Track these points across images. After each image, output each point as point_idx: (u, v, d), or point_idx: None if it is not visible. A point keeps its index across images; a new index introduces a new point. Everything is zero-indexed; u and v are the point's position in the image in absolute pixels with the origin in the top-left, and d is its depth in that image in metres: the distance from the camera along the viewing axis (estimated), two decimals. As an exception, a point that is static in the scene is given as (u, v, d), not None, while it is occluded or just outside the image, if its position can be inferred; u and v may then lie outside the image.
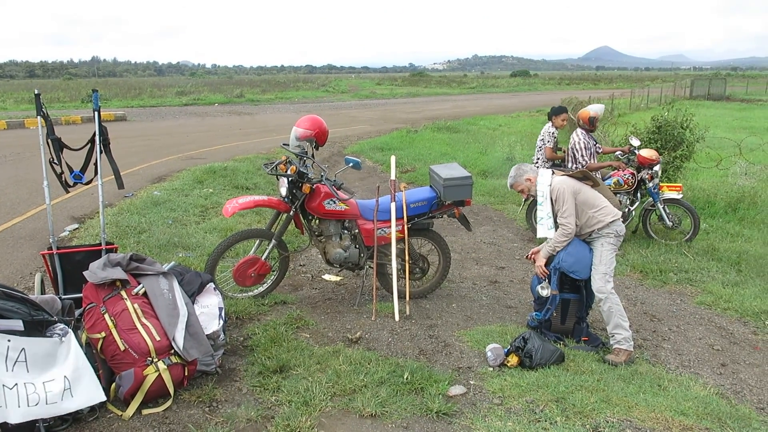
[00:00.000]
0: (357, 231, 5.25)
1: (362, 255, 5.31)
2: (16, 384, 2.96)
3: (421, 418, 3.51)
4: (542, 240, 4.94)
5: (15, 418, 2.97)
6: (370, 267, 5.38)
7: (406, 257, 5.17)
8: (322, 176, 5.04)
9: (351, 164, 5.13)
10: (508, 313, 5.28)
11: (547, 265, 4.70)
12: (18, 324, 2.87)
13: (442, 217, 5.48)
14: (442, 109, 29.82)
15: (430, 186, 5.46)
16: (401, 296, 5.10)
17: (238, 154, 13.57)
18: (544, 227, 4.78)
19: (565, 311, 4.75)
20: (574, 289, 4.72)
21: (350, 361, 4.10)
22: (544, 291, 4.65)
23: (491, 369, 4.14)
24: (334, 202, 5.06)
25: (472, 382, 3.95)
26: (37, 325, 2.91)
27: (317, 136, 5.17)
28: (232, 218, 7.65)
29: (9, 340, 2.89)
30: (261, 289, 5.34)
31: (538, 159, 7.92)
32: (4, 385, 2.94)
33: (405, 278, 5.17)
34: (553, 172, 4.82)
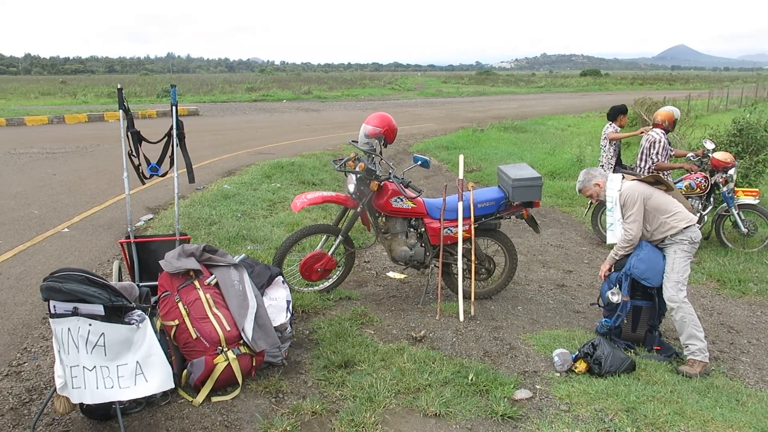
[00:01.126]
0: (423, 229, 5.23)
1: (428, 253, 5.28)
2: (95, 367, 3.08)
3: (485, 421, 3.47)
4: (612, 246, 4.80)
5: (92, 398, 3.09)
6: (435, 266, 5.35)
7: (473, 257, 5.12)
8: (390, 174, 5.04)
9: (419, 162, 5.11)
10: (576, 318, 5.15)
11: (616, 270, 4.57)
12: (99, 309, 2.98)
13: (509, 218, 5.40)
14: (508, 108, 29.41)
15: (498, 186, 5.39)
16: (466, 296, 5.05)
17: (305, 150, 13.76)
18: (614, 233, 4.65)
19: (637, 319, 4.59)
20: (647, 296, 4.56)
21: (414, 360, 4.09)
22: (615, 297, 4.51)
23: (558, 374, 4.04)
24: (402, 200, 5.06)
25: (538, 387, 3.87)
26: (116, 311, 3.02)
27: (386, 134, 5.18)
28: (298, 213, 7.75)
29: (90, 324, 3.01)
30: (326, 284, 5.40)
31: (603, 159, 7.72)
32: (84, 367, 3.07)
33: (470, 278, 5.12)
34: (624, 177, 4.68)
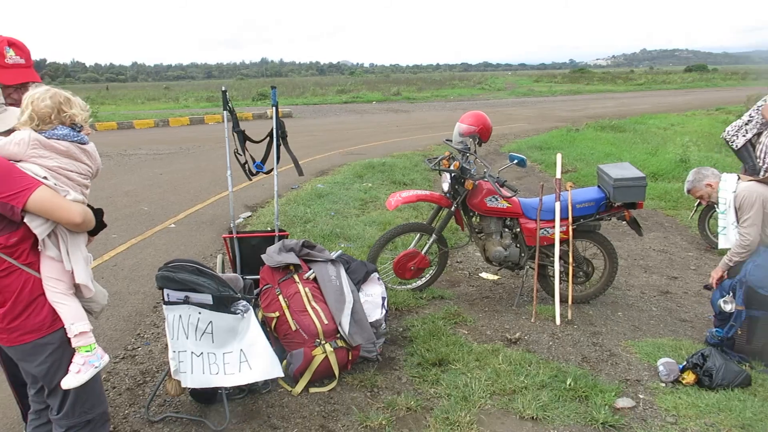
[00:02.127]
0: (519, 230, 5.15)
1: (523, 255, 5.19)
2: (202, 353, 3.23)
3: (585, 428, 3.37)
4: (724, 252, 4.53)
5: (197, 383, 3.25)
6: (530, 267, 5.25)
7: (570, 259, 4.98)
8: (485, 173, 5.00)
9: (516, 161, 5.03)
10: (682, 326, 4.90)
11: (730, 277, 4.30)
12: (208, 298, 3.13)
13: (610, 219, 5.21)
14: (605, 107, 28.41)
15: (598, 186, 5.21)
16: (563, 300, 4.92)
17: (395, 151, 13.86)
18: (727, 238, 4.38)
19: (753, 330, 4.24)
20: (765, 306, 4.22)
21: (510, 361, 4.03)
22: (728, 306, 4.23)
23: (663, 384, 3.86)
24: (497, 200, 5.00)
25: (641, 396, 3.72)
26: (223, 301, 3.15)
27: (481, 133, 5.14)
28: (389, 212, 7.83)
29: (200, 313, 3.16)
30: (419, 282, 5.41)
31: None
32: (192, 353, 3.23)
33: (568, 281, 4.99)
34: (739, 177, 4.41)
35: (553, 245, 5.01)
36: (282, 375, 3.39)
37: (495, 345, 4.33)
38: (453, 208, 5.14)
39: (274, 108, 4.68)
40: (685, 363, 3.95)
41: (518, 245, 5.18)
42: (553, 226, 4.96)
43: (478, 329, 4.68)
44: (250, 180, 4.96)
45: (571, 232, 4.97)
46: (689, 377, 3.85)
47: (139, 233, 7.31)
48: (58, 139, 2.23)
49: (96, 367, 2.30)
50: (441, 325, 4.62)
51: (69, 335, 2.25)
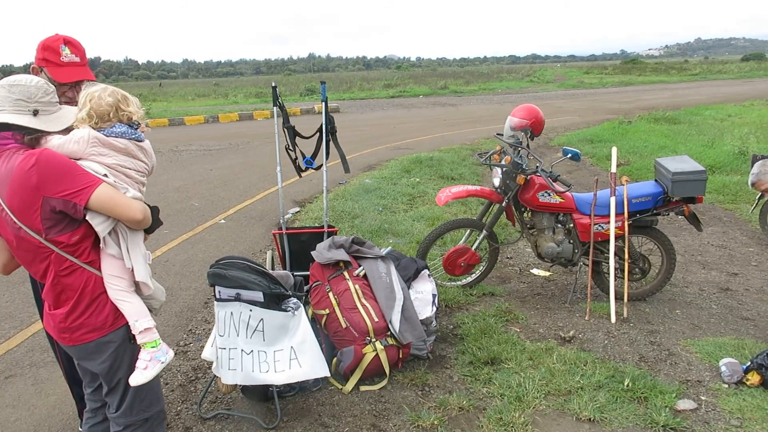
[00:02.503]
0: (572, 225, 5.01)
1: (576, 251, 5.06)
2: (252, 350, 3.23)
3: (645, 430, 3.25)
4: None
5: (248, 380, 3.25)
6: (584, 264, 5.12)
7: (626, 256, 4.83)
8: (537, 167, 4.88)
9: (569, 155, 4.90)
10: (744, 325, 4.70)
11: None
12: (259, 296, 3.13)
13: (668, 214, 5.03)
14: (658, 98, 27.61)
15: (656, 180, 5.03)
16: (618, 297, 4.78)
17: (442, 145, 13.76)
18: None
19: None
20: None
21: (564, 361, 3.93)
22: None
23: (726, 386, 3.70)
24: (549, 194, 4.88)
25: (703, 398, 3.57)
26: (274, 298, 3.15)
27: (533, 126, 5.02)
28: (438, 208, 7.77)
29: (251, 310, 3.16)
30: (469, 279, 5.34)
31: None
32: (242, 350, 3.23)
33: (623, 278, 4.84)
34: None
35: (607, 241, 4.87)
36: (329, 374, 3.36)
37: (548, 343, 4.22)
38: (504, 204, 5.04)
39: (323, 103, 4.66)
40: (749, 363, 3.77)
41: (571, 241, 5.05)
42: (608, 222, 4.81)
43: (530, 327, 4.58)
44: (300, 176, 4.96)
45: (626, 228, 4.81)
46: (754, 378, 3.68)
47: (189, 229, 7.43)
48: (117, 137, 2.24)
49: (162, 363, 2.31)
50: (492, 322, 4.54)
51: (134, 332, 2.27)
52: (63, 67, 2.58)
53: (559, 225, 5.09)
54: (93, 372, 2.42)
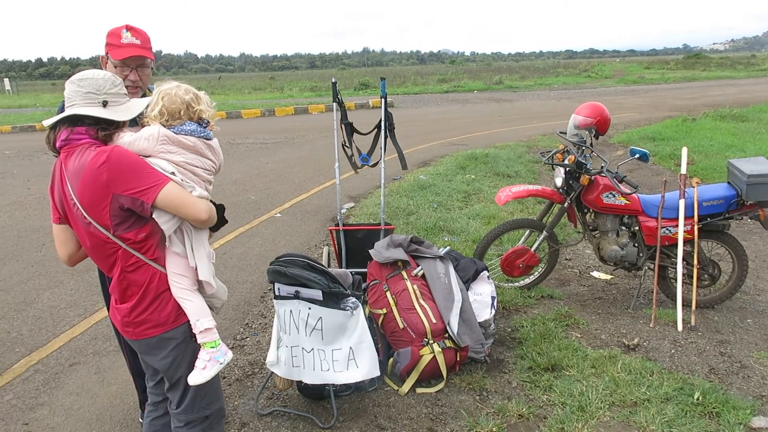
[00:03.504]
0: (637, 228, 4.83)
1: (641, 254, 4.87)
2: (312, 349, 3.21)
3: (717, 448, 3.09)
4: None
5: (309, 379, 3.24)
6: (649, 268, 4.93)
7: (695, 261, 4.62)
8: (602, 167, 4.71)
9: (637, 155, 4.71)
10: (822, 337, 4.44)
11: None
12: (318, 294, 3.11)
13: (741, 218, 4.79)
14: (724, 94, 26.55)
15: (729, 182, 4.80)
16: (686, 304, 4.57)
17: (498, 141, 13.55)
18: None
19: None
20: None
21: (629, 370, 3.78)
22: None
23: (805, 403, 3.50)
24: (614, 196, 4.71)
25: (779, 416, 3.38)
26: (333, 297, 3.12)
27: (598, 125, 4.86)
28: (494, 206, 7.63)
29: (310, 308, 3.14)
30: (527, 280, 5.21)
31: None
32: (303, 348, 3.22)
33: (691, 284, 4.63)
34: None
35: (674, 245, 4.67)
36: (378, 374, 3.31)
37: (611, 351, 4.07)
38: (566, 204, 4.89)
39: (382, 99, 4.60)
40: (831, 382, 3.56)
41: (636, 244, 4.87)
42: (676, 225, 4.61)
43: (591, 333, 4.43)
44: (356, 173, 4.93)
45: (696, 232, 4.60)
46: (837, 398, 3.46)
47: (246, 222, 7.51)
48: (186, 135, 2.24)
49: (221, 363, 2.31)
50: (552, 326, 4.41)
51: (194, 331, 2.27)
52: (121, 47, 2.61)
53: (624, 227, 4.91)
54: (154, 367, 2.43)
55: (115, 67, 2.65)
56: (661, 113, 19.14)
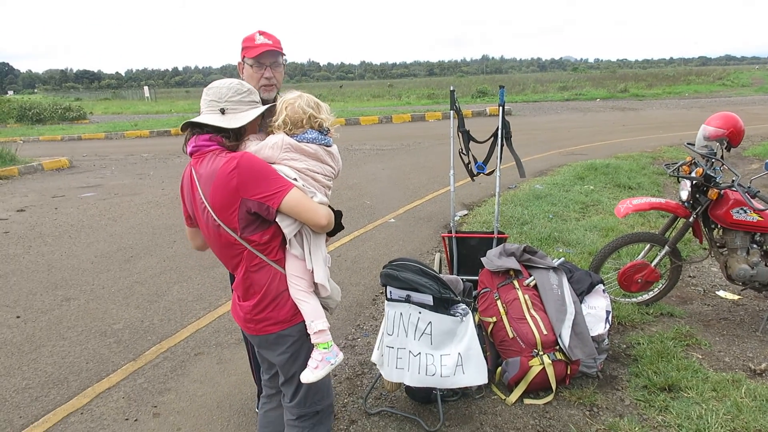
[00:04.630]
0: (771, 247, 4.53)
1: (774, 275, 4.56)
2: (420, 353, 3.27)
3: None
4: None
5: (412, 381, 3.29)
6: (782, 290, 4.60)
7: (837, 285, 4.26)
8: (733, 181, 4.46)
9: (775, 169, 4.43)
10: None
11: None
12: (428, 299, 3.18)
13: None
14: None
15: None
16: (824, 331, 4.24)
17: (620, 152, 13.05)
18: None
19: None
20: None
21: (754, 396, 3.55)
22: None
23: None
24: (746, 212, 4.44)
25: None
26: (443, 302, 3.18)
27: (731, 136, 4.60)
28: (613, 218, 7.39)
29: (420, 313, 3.22)
30: (646, 296, 5.02)
31: None
32: (410, 351, 3.29)
33: (832, 310, 4.28)
34: None
35: (813, 267, 4.33)
36: (486, 382, 3.32)
37: (736, 375, 3.85)
38: (692, 219, 4.67)
39: (500, 108, 4.62)
40: None
41: (768, 264, 4.57)
42: (816, 246, 4.28)
43: (714, 354, 4.20)
44: (473, 180, 4.96)
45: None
46: None
47: (361, 226, 7.74)
48: (308, 143, 2.38)
49: (332, 364, 2.41)
50: (671, 345, 4.22)
51: (309, 332, 2.39)
52: (255, 47, 2.81)
53: (755, 246, 4.62)
54: (270, 361, 2.58)
55: (251, 67, 2.82)
56: (806, 124, 17.62)
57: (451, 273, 4.87)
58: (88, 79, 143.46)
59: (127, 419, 3.69)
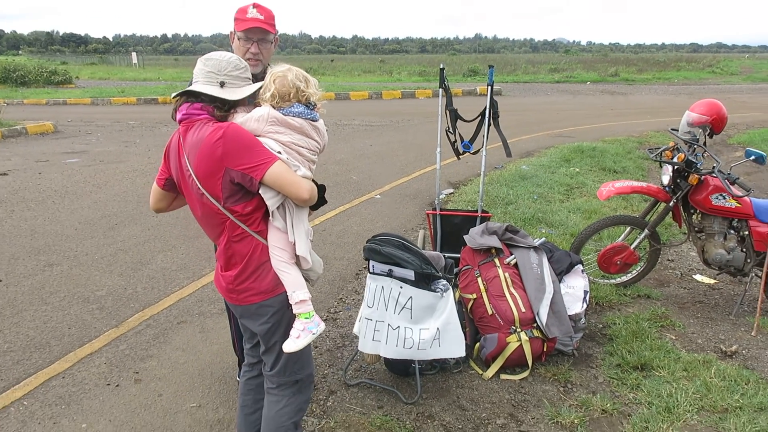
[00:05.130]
0: (747, 233, 4.62)
1: (749, 260, 4.66)
2: (399, 326, 3.32)
3: (811, 465, 2.97)
4: None
5: (388, 353, 3.33)
6: (756, 275, 4.70)
7: (809, 272, 4.37)
8: (713, 167, 4.53)
9: (753, 157, 4.50)
10: None
11: None
12: (410, 274, 3.23)
13: None
14: None
15: None
16: (795, 316, 4.35)
17: (607, 135, 13.13)
18: None
19: None
20: None
21: (723, 376, 3.66)
22: None
23: None
24: (724, 198, 4.52)
25: None
26: (425, 278, 3.23)
27: (713, 123, 4.66)
28: (596, 201, 7.47)
29: (401, 287, 3.26)
30: (624, 278, 5.11)
31: None
32: (389, 325, 3.33)
33: (803, 296, 4.39)
34: None
35: (787, 254, 4.43)
36: (464, 354, 3.39)
37: (707, 356, 3.95)
38: (672, 203, 4.75)
39: (489, 87, 4.64)
40: None
41: (744, 249, 4.67)
42: (792, 233, 4.38)
43: (687, 336, 4.31)
44: (458, 159, 5.00)
45: (814, 242, 4.35)
46: None
47: (347, 201, 7.77)
48: (294, 116, 2.39)
49: (313, 334, 2.45)
50: (645, 326, 4.32)
51: (290, 302, 2.43)
52: (245, 21, 2.81)
53: (732, 231, 4.71)
54: (252, 330, 2.62)
55: (239, 40, 2.84)
56: (792, 114, 17.81)
57: (434, 250, 4.93)
58: (75, 43, 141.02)
59: (108, 384, 3.73)
